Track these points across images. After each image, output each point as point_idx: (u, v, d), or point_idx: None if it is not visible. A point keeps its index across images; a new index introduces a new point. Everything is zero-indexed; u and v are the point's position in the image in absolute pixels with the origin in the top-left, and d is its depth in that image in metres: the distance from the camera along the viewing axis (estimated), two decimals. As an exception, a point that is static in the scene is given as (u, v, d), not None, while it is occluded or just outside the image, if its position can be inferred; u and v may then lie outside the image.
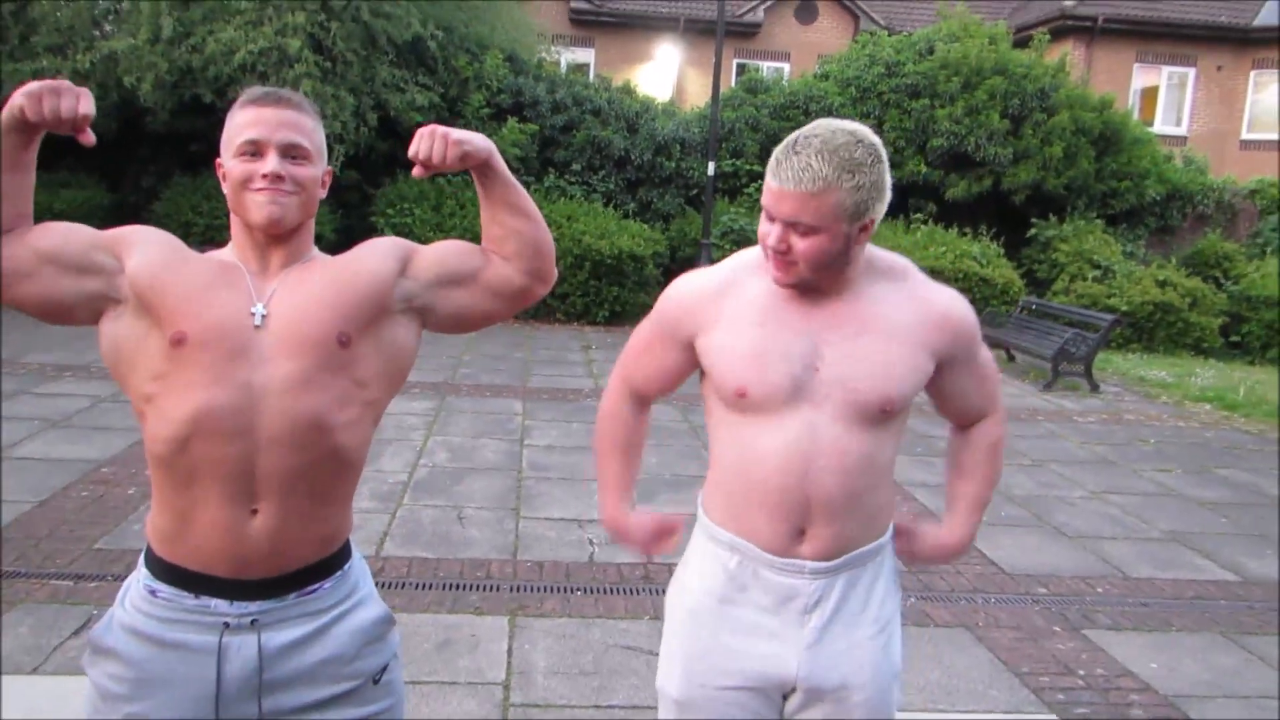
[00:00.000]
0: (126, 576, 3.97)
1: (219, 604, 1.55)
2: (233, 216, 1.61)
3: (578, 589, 4.18)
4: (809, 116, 13.84)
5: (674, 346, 1.79)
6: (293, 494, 1.54)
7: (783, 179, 1.55)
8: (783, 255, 1.59)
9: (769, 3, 20.22)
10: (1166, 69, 19.50)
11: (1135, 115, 17.13)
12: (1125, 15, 18.75)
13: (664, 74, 19.73)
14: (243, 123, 1.57)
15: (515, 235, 1.68)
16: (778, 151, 1.58)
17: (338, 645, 1.62)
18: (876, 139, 1.60)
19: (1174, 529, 5.51)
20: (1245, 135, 19.50)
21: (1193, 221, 15.20)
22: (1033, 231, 13.81)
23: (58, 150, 11.99)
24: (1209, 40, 19.16)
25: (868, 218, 1.58)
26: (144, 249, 1.57)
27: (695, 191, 13.61)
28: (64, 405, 6.66)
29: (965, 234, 13.20)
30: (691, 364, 1.80)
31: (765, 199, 1.60)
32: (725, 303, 1.71)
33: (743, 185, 13.79)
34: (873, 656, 1.72)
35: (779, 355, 1.64)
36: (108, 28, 11.24)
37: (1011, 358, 11.15)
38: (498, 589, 4.13)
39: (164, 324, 1.51)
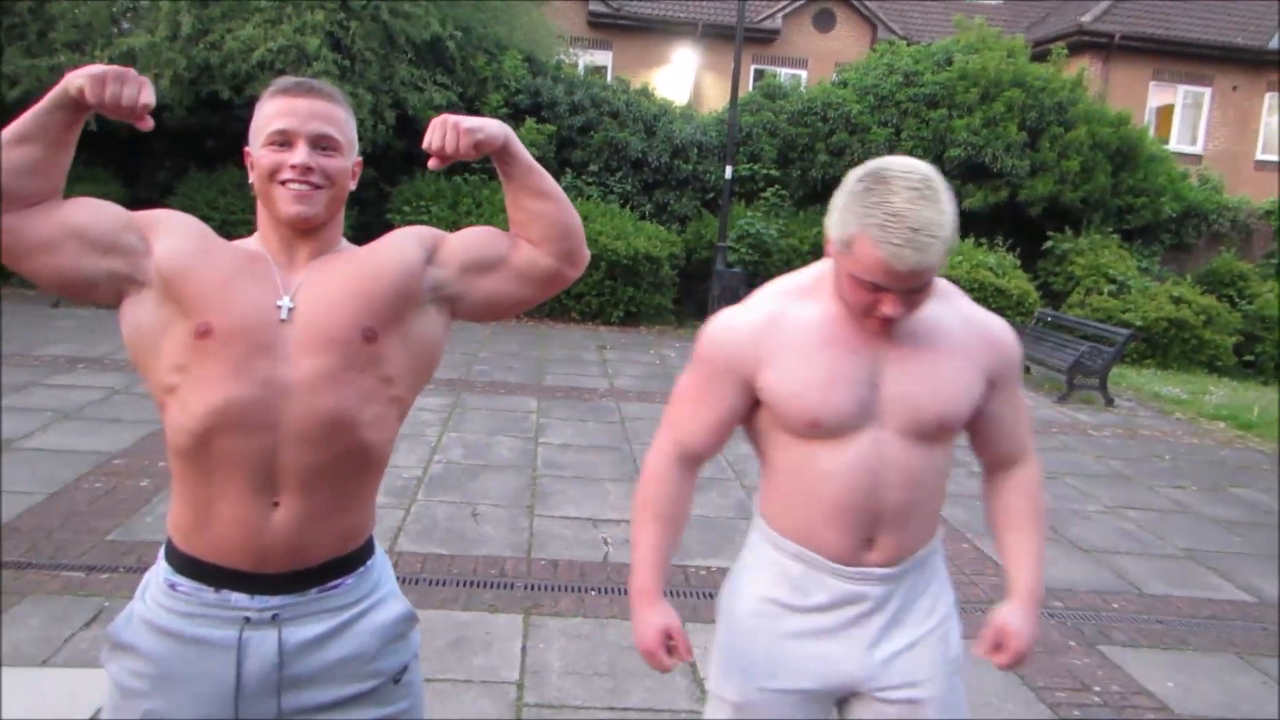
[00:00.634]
0: (139, 569, 3.99)
1: (239, 598, 1.53)
2: (260, 207, 1.59)
3: (592, 589, 4.17)
4: (826, 123, 13.84)
5: (731, 390, 1.71)
6: (315, 489, 1.53)
7: (904, 260, 1.48)
8: (897, 322, 1.58)
9: (787, 9, 20.22)
10: (1182, 88, 19.45)
11: (1151, 133, 17.09)
12: (1142, 33, 18.71)
13: (681, 78, 19.73)
14: (272, 112, 1.54)
15: (540, 218, 1.64)
16: (879, 227, 1.48)
17: (359, 643, 1.60)
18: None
19: (1189, 547, 5.47)
20: (1259, 156, 19.45)
21: (1207, 240, 15.15)
22: (1049, 244, 13.78)
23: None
24: (1225, 61, 19.12)
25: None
26: (172, 234, 1.54)
27: (711, 195, 13.60)
28: (76, 397, 6.67)
29: (981, 244, 13.17)
30: (746, 407, 1.73)
31: (878, 274, 1.51)
32: (777, 335, 1.67)
33: (759, 189, 13.78)
34: (934, 650, 1.73)
35: (846, 380, 1.62)
36: (126, 25, 11.26)
37: (1027, 369, 11.09)
38: (512, 587, 4.11)
39: (189, 314, 1.49)
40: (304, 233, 1.57)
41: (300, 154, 1.52)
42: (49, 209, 1.48)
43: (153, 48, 10.34)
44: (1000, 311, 11.90)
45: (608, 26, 19.94)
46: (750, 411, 1.74)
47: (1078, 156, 13.45)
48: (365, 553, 1.65)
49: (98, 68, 1.42)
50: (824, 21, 20.65)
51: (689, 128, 13.90)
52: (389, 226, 11.67)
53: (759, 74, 19.44)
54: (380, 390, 1.57)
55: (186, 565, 1.55)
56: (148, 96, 1.44)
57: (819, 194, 14.11)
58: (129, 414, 6.32)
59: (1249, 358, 13.18)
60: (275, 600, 1.54)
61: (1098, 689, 3.64)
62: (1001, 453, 1.80)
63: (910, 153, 13.47)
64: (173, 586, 1.56)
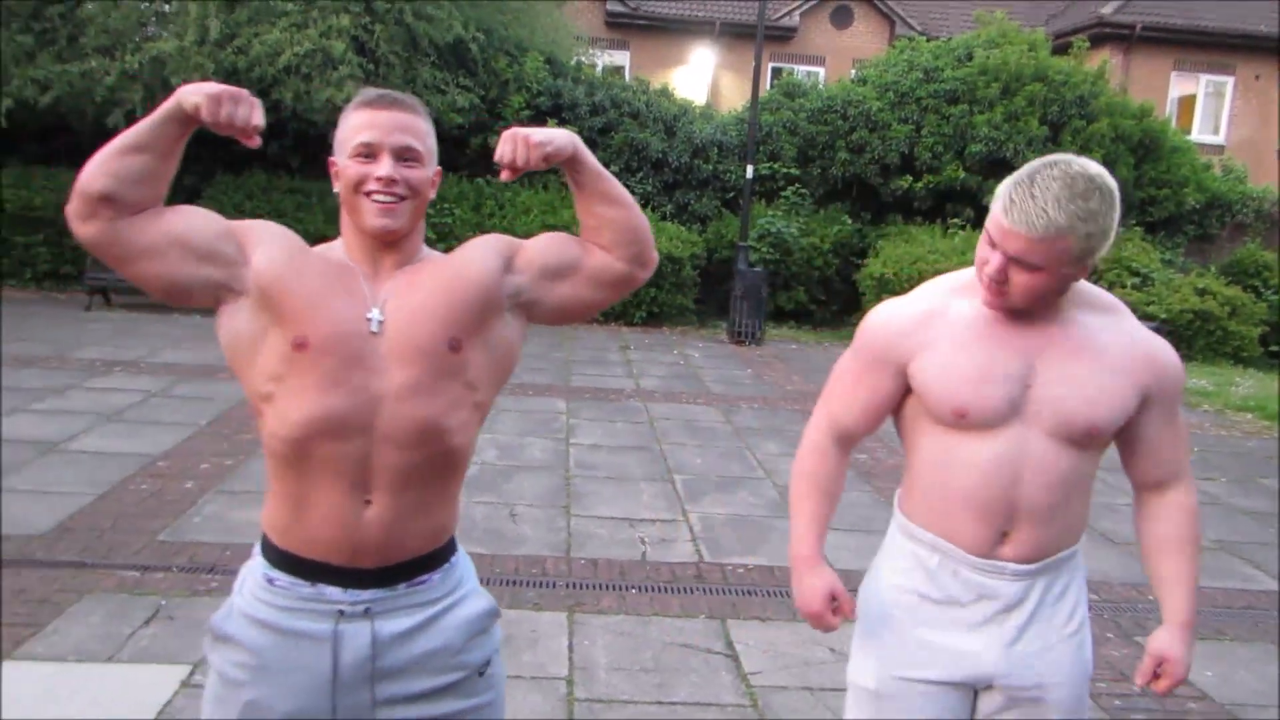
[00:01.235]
0: (191, 568, 4.08)
1: (334, 592, 1.60)
2: (344, 216, 1.64)
3: (632, 587, 4.23)
4: (846, 121, 13.85)
5: (886, 375, 1.78)
6: (405, 488, 1.59)
7: (1014, 220, 1.55)
8: (999, 284, 1.62)
9: (805, 7, 20.20)
10: (1204, 77, 19.32)
11: (1173, 123, 16.99)
12: (1163, 23, 18.61)
13: (699, 77, 19.76)
14: (358, 124, 1.59)
15: (610, 224, 1.70)
16: (1012, 186, 1.58)
17: (446, 636, 1.67)
18: (1114, 183, 1.60)
19: (1221, 538, 5.49)
20: (1285, 144, 19.30)
21: (1231, 230, 15.06)
22: (1070, 238, 13.73)
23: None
24: (1247, 49, 18.98)
25: (1091, 260, 1.60)
26: (269, 246, 1.61)
27: (732, 194, 13.63)
28: (115, 400, 6.79)
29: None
30: (899, 393, 1.79)
31: (992, 229, 1.61)
32: (934, 325, 1.73)
33: (780, 188, 13.80)
34: (1069, 656, 1.77)
35: (999, 375, 1.67)
36: (154, 29, 11.39)
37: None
38: (554, 585, 4.18)
39: (285, 326, 1.55)
40: (388, 243, 1.63)
41: (385, 166, 1.57)
42: (154, 216, 1.55)
43: (181, 53, 10.46)
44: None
45: (625, 26, 19.98)
46: (900, 399, 1.80)
47: (1100, 149, 13.40)
48: (449, 550, 1.72)
49: (214, 86, 1.49)
50: (841, 18, 20.62)
51: (709, 127, 13.94)
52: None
53: (776, 72, 19.43)
54: (465, 396, 1.64)
55: (283, 560, 1.62)
56: (259, 118, 1.52)
57: (839, 192, 14.13)
58: (167, 416, 6.42)
59: (1275, 348, 13.11)
60: (367, 594, 1.61)
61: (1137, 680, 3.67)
62: (1152, 474, 1.80)
63: (930, 149, 13.50)
64: (270, 581, 1.63)
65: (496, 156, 1.62)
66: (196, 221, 1.59)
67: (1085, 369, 1.67)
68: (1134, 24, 18.40)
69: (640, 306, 11.97)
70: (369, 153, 1.58)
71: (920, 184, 13.52)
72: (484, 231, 9.60)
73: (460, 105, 12.11)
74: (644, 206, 13.06)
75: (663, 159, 13.47)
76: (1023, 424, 1.68)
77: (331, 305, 1.57)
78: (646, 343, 10.93)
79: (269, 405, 1.58)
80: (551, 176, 13.09)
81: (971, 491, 1.69)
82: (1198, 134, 18.72)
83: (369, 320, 1.58)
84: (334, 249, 1.67)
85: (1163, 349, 1.76)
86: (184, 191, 12.46)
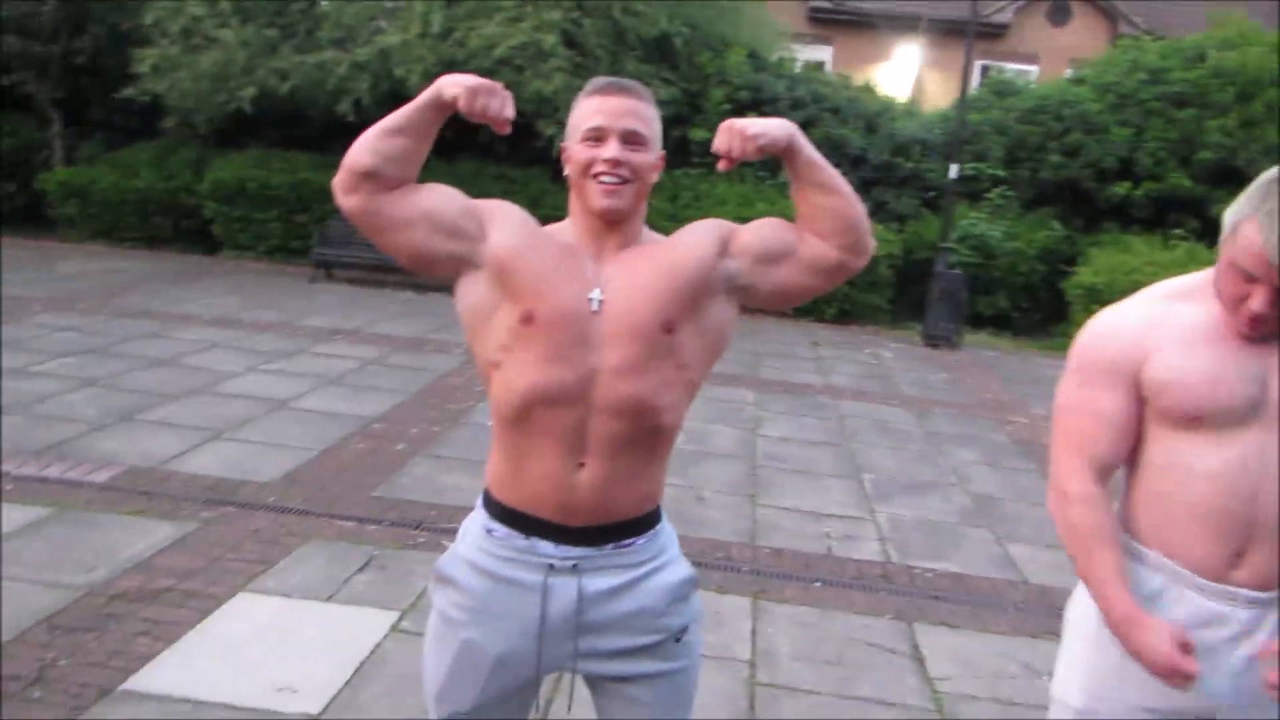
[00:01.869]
0: (401, 524, 4.36)
1: (546, 546, 1.71)
2: (572, 198, 1.74)
3: (817, 580, 4.22)
4: (1060, 122, 13.20)
5: (1121, 390, 1.68)
6: (618, 455, 1.68)
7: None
8: (1263, 323, 1.55)
9: (1019, 4, 19.38)
10: None
11: None
12: None
13: (902, 74, 19.29)
14: (588, 110, 1.69)
15: (825, 212, 1.71)
16: (1266, 213, 1.49)
17: (648, 598, 1.75)
18: None
19: None
20: None
21: None
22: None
23: (330, 134, 13.05)
24: None
25: None
26: (505, 225, 1.72)
27: (933, 193, 13.25)
28: (337, 365, 7.30)
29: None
30: (1139, 406, 1.69)
31: (1250, 263, 1.52)
32: (1161, 330, 1.67)
33: (985, 190, 13.31)
34: None
35: (1233, 375, 1.60)
36: (383, 23, 12.13)
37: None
38: (739, 570, 4.23)
39: (516, 300, 1.66)
40: (611, 223, 1.71)
41: (611, 149, 1.65)
42: (408, 191, 1.70)
43: (405, 45, 11.09)
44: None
45: (829, 22, 19.72)
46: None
47: (1349, 159, 12.26)
48: (655, 518, 1.80)
49: (471, 79, 1.63)
50: (1059, 15, 19.65)
51: (911, 125, 13.60)
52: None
53: (985, 70, 18.73)
54: (677, 376, 1.71)
55: (502, 513, 1.74)
56: (510, 110, 1.66)
57: (1049, 196, 13.49)
58: (383, 383, 6.86)
59: None
60: (576, 551, 1.71)
61: None
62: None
63: (1153, 154, 12.70)
64: (489, 531, 1.75)
65: (714, 147, 1.68)
66: (444, 199, 1.72)
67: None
68: (1399, 23, 16.67)
69: (832, 304, 11.83)
70: (598, 136, 1.67)
71: (1140, 191, 12.73)
72: (680, 222, 9.70)
73: (662, 98, 12.29)
74: (840, 204, 12.93)
75: (862, 155, 13.24)
76: (1262, 429, 1.58)
77: (558, 284, 1.67)
78: (837, 340, 10.80)
79: (497, 372, 1.70)
80: (748, 169, 13.12)
81: (1205, 502, 1.60)
82: None
83: (590, 300, 1.67)
84: (562, 230, 1.77)
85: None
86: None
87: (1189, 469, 1.62)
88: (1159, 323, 1.67)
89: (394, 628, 3.44)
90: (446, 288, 1.76)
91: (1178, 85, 12.93)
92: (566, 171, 1.72)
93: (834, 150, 13.18)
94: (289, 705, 2.91)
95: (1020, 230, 12.70)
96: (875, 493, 5.51)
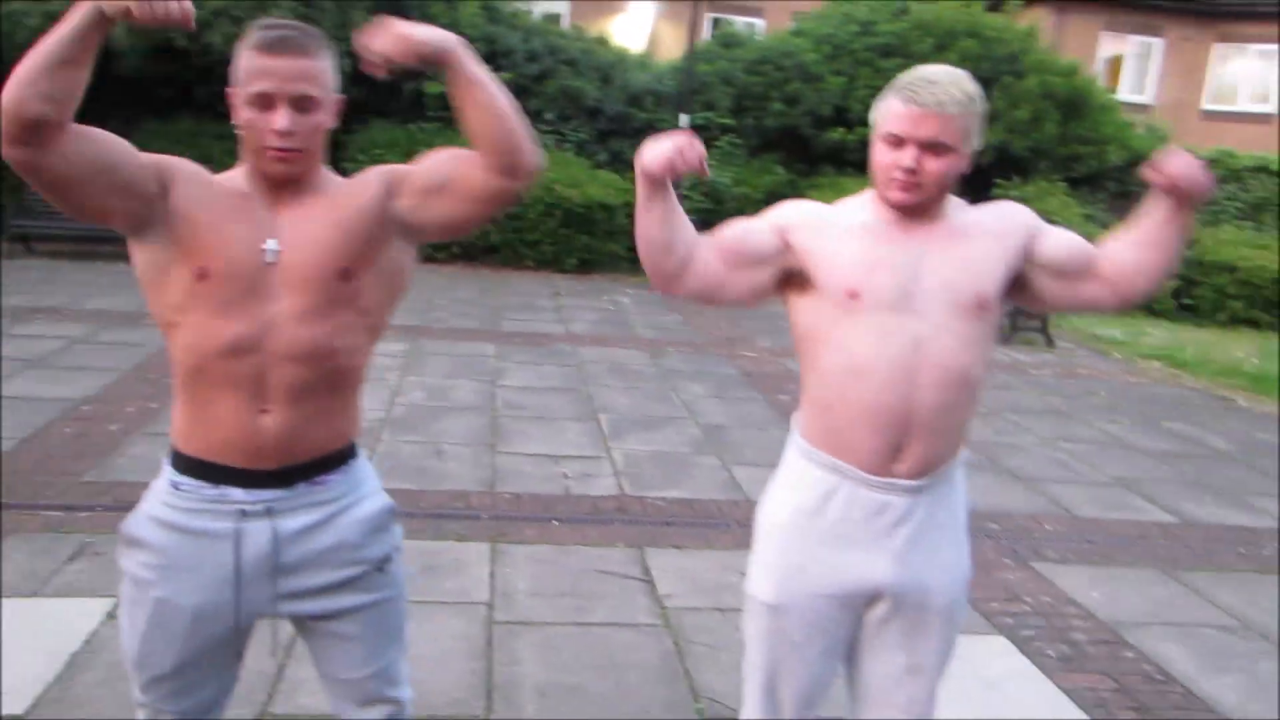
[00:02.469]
0: (117, 507, 4.11)
1: (235, 492, 1.70)
2: (245, 151, 1.67)
3: (555, 519, 4.36)
4: (782, 72, 13.93)
5: (772, 235, 1.85)
6: (299, 401, 1.69)
7: (925, 103, 1.69)
8: (912, 175, 1.72)
9: (744, -44, 20.13)
10: (1133, 38, 19.75)
11: (1101, 82, 17.34)
12: (1095, -18, 18.94)
13: (638, 26, 19.62)
14: (254, 71, 1.60)
15: (483, 134, 1.65)
16: (907, 82, 1.73)
17: (345, 532, 1.77)
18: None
19: (1120, 475, 5.79)
20: (1206, 106, 19.86)
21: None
22: (996, 192, 14.05)
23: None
24: (1176, 12, 19.43)
25: (975, 146, 1.77)
26: (182, 182, 1.66)
27: (666, 145, 13.67)
28: (38, 346, 6.68)
29: (931, 193, 13.41)
30: (773, 254, 1.84)
31: (898, 125, 1.72)
32: (829, 217, 1.85)
33: (714, 138, 13.86)
34: (952, 562, 1.90)
35: (889, 261, 1.77)
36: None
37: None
38: (478, 518, 4.29)
39: (190, 257, 1.63)
40: (288, 179, 1.69)
41: (282, 119, 1.59)
42: (76, 140, 1.53)
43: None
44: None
45: (562, -27, 19.74)
46: (791, 299, 1.88)
47: (1028, 106, 13.69)
48: (348, 454, 1.81)
49: None
50: (779, -31, 20.59)
51: (645, 76, 13.92)
52: (343, 174, 11.68)
53: (716, 22, 19.39)
54: (358, 320, 1.73)
55: (188, 465, 1.72)
56: (188, 4, 1.47)
57: (773, 143, 14.24)
58: (94, 362, 6.36)
59: (1188, 301, 13.61)
60: (268, 494, 1.71)
61: (1029, 600, 3.92)
62: (1086, 266, 1.85)
63: (863, 102, 13.62)
64: (176, 486, 1.72)
65: (370, 45, 1.58)
66: (122, 153, 1.61)
67: (967, 249, 1.80)
68: (1066, -18, 18.69)
69: (572, 254, 12.01)
70: (266, 103, 1.59)
71: (853, 136, 13.68)
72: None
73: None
74: (578, 154, 13.07)
75: (598, 107, 13.44)
76: (916, 321, 1.77)
77: (231, 238, 1.64)
78: (579, 289, 10.99)
79: (173, 330, 1.67)
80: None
81: (867, 403, 1.77)
82: (1125, 94, 19.17)
83: (264, 250, 1.65)
84: (235, 177, 1.72)
85: (1009, 205, 1.91)
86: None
87: (854, 371, 1.79)
88: (833, 217, 1.87)
89: (110, 614, 3.25)
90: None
91: (884, 37, 13.93)
92: (235, 119, 1.65)
93: (570, 102, 13.31)
94: (-15, 704, 2.71)
95: (747, 176, 13.35)
96: (611, 432, 5.71)
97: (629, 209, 12.23)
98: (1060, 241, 1.87)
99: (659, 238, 1.78)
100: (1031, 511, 5.00)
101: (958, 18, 13.90)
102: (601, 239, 12.07)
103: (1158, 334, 11.44)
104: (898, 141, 1.73)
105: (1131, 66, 19.91)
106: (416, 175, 1.77)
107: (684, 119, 12.19)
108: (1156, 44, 19.78)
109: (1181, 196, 1.73)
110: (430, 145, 10.36)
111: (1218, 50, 19.88)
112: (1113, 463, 6.04)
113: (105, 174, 1.58)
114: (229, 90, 1.66)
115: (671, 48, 18.34)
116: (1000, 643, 3.54)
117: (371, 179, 1.78)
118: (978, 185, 14.08)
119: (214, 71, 10.85)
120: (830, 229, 1.84)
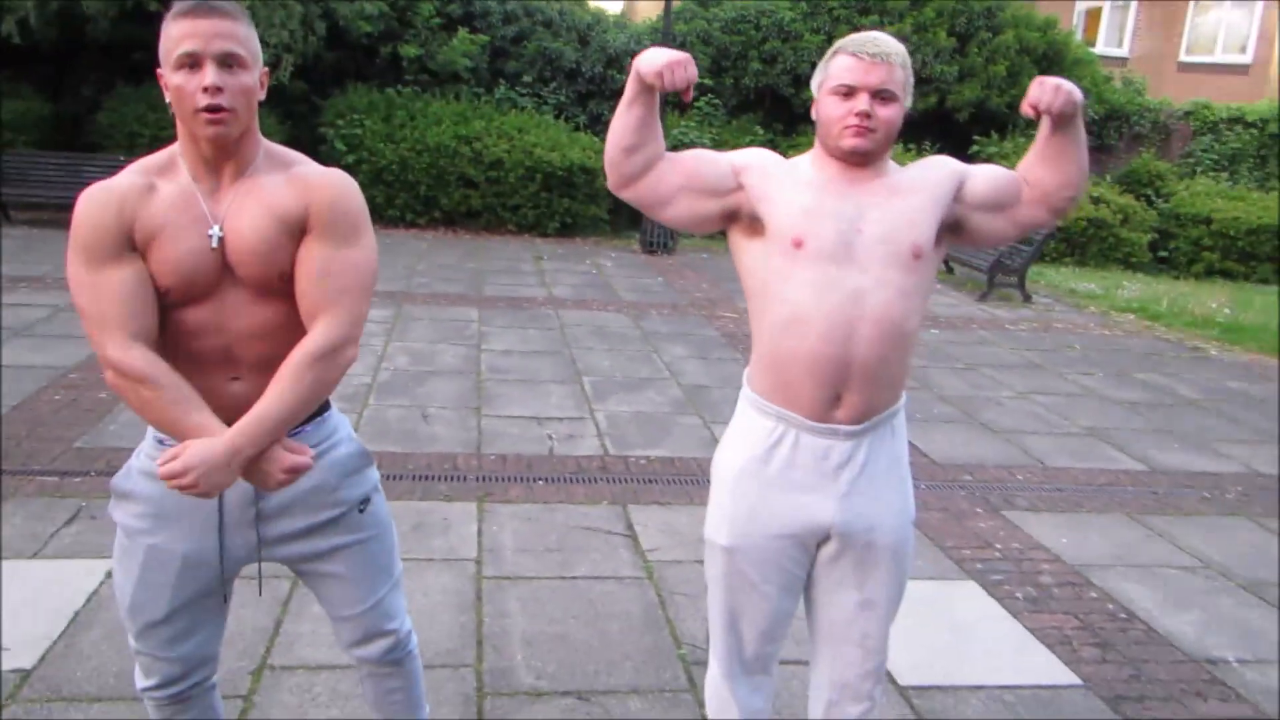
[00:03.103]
0: (109, 472, 4.19)
1: None
2: (179, 126, 1.71)
3: (540, 478, 4.47)
4: (759, 31, 13.90)
5: (726, 168, 1.95)
6: (263, 368, 1.77)
7: (874, 54, 1.83)
8: (866, 120, 1.83)
9: (720, -87, 19.96)
10: (1111, -11, 19.74)
11: (1079, 36, 17.40)
12: (1072, -67, 18.88)
13: (614, -15, 19.49)
14: (178, 35, 1.64)
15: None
16: (850, 42, 1.86)
17: (321, 476, 1.87)
18: None
19: (1092, 425, 5.94)
20: (1183, 58, 19.91)
21: (1128, 141, 15.62)
22: (975, 148, 14.12)
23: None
24: (1153, -37, 19.41)
25: (909, 103, 1.90)
26: (139, 213, 1.70)
27: (646, 106, 13.65)
28: (24, 315, 6.72)
29: (911, 150, 13.46)
30: (725, 207, 1.94)
31: (847, 76, 1.83)
32: (784, 171, 1.95)
33: (693, 99, 13.87)
34: (896, 503, 2.01)
35: (830, 209, 1.88)
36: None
37: (950, 269, 11.54)
38: (465, 479, 4.39)
39: (155, 274, 1.69)
40: (225, 152, 1.71)
41: (210, 75, 1.63)
42: None
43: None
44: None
45: (538, -68, 19.54)
46: (739, 247, 1.98)
47: (1005, 61, 13.73)
48: (322, 407, 1.91)
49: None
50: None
51: (623, 37, 13.88)
52: (321, 139, 11.63)
53: (692, -20, 19.27)
54: (291, 304, 1.78)
55: None
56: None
57: (752, 103, 14.25)
58: (78, 330, 6.40)
59: (1163, 254, 13.78)
60: None
61: (999, 546, 4.06)
62: (1015, 192, 1.96)
63: (842, 59, 13.66)
64: (160, 441, 1.82)
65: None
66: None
67: (904, 202, 1.90)
68: (1043, -65, 18.62)
69: (554, 217, 12.04)
70: (193, 63, 1.64)
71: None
72: (395, 143, 9.55)
73: (369, 13, 11.86)
74: (557, 117, 13.06)
75: (576, 69, 13.41)
76: (856, 271, 1.86)
77: (177, 236, 1.70)
78: (560, 253, 11.04)
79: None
80: (464, 87, 12.94)
81: (809, 354, 1.87)
82: (1103, 46, 19.21)
83: (210, 237, 1.71)
84: (176, 167, 1.75)
85: (936, 159, 2.02)
86: (83, 103, 12.05)
87: (796, 324, 1.88)
88: (784, 167, 1.96)
89: (110, 574, 3.35)
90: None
91: (860, -7, 13.89)
92: (169, 99, 1.68)
93: (548, 64, 13.28)
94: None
95: (727, 136, 13.36)
96: (595, 393, 5.81)
97: (609, 171, 12.30)
98: (985, 175, 1.99)
99: (630, 138, 1.88)
100: (1005, 463, 5.14)
101: (933, -28, 13.89)
102: (583, 202, 12.10)
103: (1133, 287, 11.59)
104: (849, 92, 1.84)
105: (1109, 19, 19.92)
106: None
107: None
108: (1134, -4, 19.79)
109: (1052, 117, 1.85)
110: (409, 110, 10.29)
111: (1195, 3, 19.90)
112: (1085, 414, 6.19)
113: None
114: (158, 74, 1.70)
115: (648, 8, 18.25)
116: (971, 587, 3.68)
117: (312, 179, 1.80)
118: (958, 142, 14.16)
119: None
120: (782, 178, 1.94)
